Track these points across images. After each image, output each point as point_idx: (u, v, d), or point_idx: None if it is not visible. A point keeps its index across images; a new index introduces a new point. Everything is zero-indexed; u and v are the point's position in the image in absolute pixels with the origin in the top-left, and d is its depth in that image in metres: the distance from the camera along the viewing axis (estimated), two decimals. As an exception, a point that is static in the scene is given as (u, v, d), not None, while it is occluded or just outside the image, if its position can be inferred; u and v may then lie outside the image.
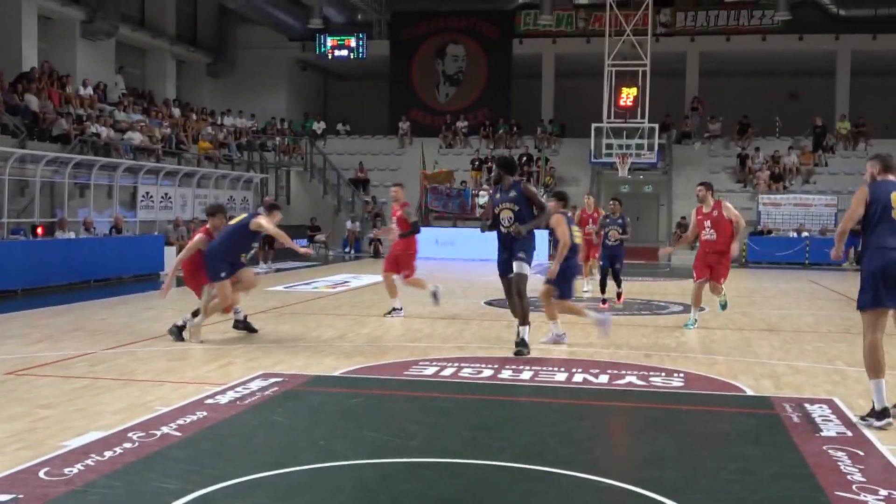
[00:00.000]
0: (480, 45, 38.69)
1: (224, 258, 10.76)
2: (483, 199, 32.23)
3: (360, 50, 38.33)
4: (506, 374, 8.99)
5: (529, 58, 37.74)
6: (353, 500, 5.15)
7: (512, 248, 10.03)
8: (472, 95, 38.96)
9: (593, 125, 31.65)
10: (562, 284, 10.80)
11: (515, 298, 10.04)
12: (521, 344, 10.01)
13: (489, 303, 15.68)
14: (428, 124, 38.31)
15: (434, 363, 9.49)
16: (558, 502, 5.22)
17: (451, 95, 39.56)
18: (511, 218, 10.01)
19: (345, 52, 38.42)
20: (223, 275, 10.72)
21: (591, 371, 9.15)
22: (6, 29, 26.47)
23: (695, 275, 12.69)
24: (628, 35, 31.43)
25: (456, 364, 9.39)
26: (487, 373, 9.00)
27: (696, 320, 12.71)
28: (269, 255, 23.55)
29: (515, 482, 5.53)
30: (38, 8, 27.16)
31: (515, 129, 37.06)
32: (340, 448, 6.19)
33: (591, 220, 16.59)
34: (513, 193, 10.10)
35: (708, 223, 12.36)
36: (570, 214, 11.65)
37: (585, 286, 16.75)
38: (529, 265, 10.05)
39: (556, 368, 9.28)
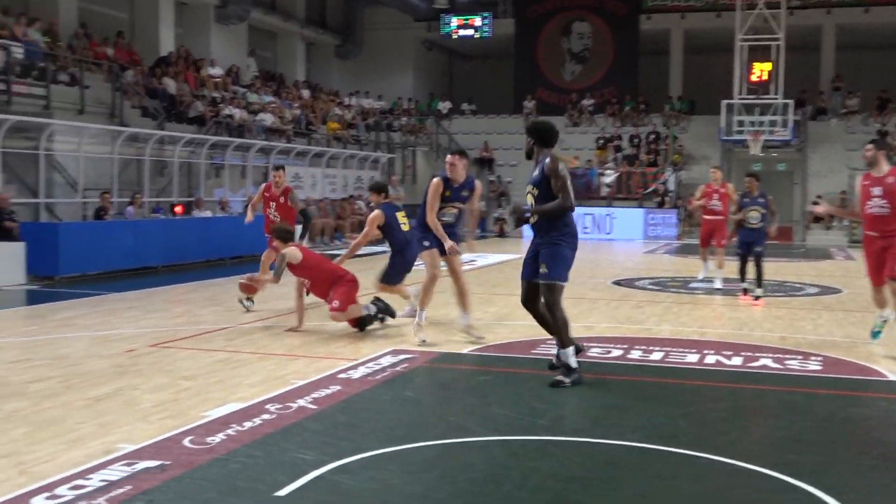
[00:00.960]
0: (607, 22, 38.15)
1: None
2: (609, 177, 31.90)
3: (485, 29, 38.28)
4: (635, 354, 8.89)
5: (657, 34, 37.01)
6: (484, 476, 5.18)
7: (538, 245, 7.59)
8: (598, 73, 38.50)
9: (724, 102, 30.85)
10: (393, 275, 10.79)
11: (543, 311, 7.67)
12: (565, 369, 7.46)
13: (617, 282, 15.52)
14: (553, 103, 38.04)
15: (562, 342, 9.44)
16: (693, 484, 5.14)
17: (576, 73, 39.19)
18: (533, 206, 7.60)
19: (470, 32, 38.45)
20: (426, 244, 9.58)
21: (724, 353, 8.96)
22: (145, 15, 27.53)
23: (870, 278, 9.22)
24: (760, 9, 30.46)
25: (584, 344, 9.31)
26: (616, 353, 8.92)
27: (882, 324, 9.43)
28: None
29: (647, 463, 5.47)
30: (174, -6, 28.17)
31: (642, 106, 36.42)
32: (470, 424, 6.24)
33: (716, 194, 14.75)
34: (536, 172, 7.59)
35: (877, 191, 8.83)
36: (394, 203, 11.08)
37: (704, 273, 15.19)
38: (561, 270, 7.47)
39: (687, 350, 9.12)
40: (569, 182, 7.44)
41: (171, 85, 24.17)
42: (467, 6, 38.70)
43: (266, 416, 6.28)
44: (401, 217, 10.69)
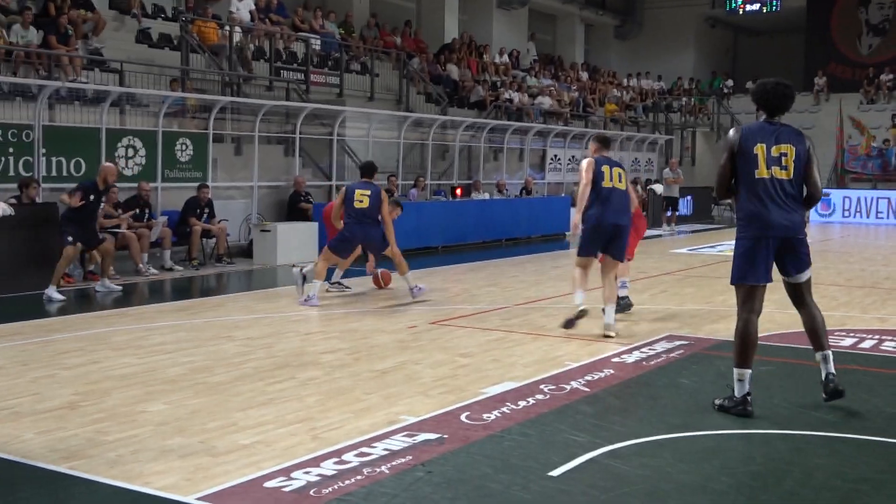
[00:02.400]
0: (911, -10, 35.29)
1: None
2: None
3: (774, 3, 36.48)
4: (936, 350, 8.21)
5: (971, -1, 33.79)
6: (764, 470, 4.98)
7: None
8: (899, 46, 35.71)
9: None
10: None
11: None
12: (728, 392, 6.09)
13: (916, 272, 14.38)
14: (847, 78, 35.64)
15: (851, 334, 8.89)
16: None
17: (874, 46, 36.49)
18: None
19: (756, 6, 36.79)
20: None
21: None
22: (430, 4, 28.53)
23: None
24: None
25: (877, 336, 8.73)
26: (914, 347, 8.28)
27: None
28: (672, 218, 23.40)
29: (948, 468, 5.04)
30: (456, -19, 29.00)
31: (950, 80, 33.40)
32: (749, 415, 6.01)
33: None
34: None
35: None
36: None
37: None
38: (732, 270, 6.13)
39: None
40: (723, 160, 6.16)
41: (454, 71, 24.95)
42: (754, -20, 37.08)
43: (540, 397, 6.37)
44: (359, 195, 10.85)
